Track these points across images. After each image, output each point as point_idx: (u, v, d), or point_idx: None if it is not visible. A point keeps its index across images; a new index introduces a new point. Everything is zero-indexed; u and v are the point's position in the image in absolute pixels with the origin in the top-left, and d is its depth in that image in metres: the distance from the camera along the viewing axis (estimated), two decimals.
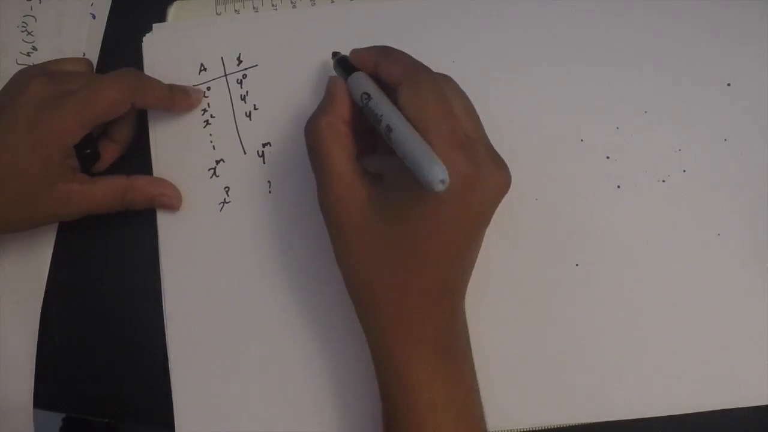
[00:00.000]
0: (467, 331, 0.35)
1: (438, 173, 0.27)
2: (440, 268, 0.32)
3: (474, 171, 0.31)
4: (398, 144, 0.30)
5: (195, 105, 0.43)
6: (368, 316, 0.34)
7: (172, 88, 0.42)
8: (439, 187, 0.27)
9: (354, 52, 0.37)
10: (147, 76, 0.42)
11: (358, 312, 0.34)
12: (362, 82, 0.34)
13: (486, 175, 0.31)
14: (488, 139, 0.33)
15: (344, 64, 0.37)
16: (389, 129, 0.30)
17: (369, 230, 0.32)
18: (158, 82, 0.41)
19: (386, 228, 0.32)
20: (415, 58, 0.35)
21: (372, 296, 0.33)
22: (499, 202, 0.33)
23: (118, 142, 0.42)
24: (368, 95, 0.33)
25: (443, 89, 0.32)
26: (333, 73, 0.43)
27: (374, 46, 0.36)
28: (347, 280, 0.34)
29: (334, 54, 0.39)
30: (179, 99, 0.42)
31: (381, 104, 0.32)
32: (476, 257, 0.34)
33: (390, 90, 0.33)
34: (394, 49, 0.35)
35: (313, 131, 0.34)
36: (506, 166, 0.33)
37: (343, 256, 0.34)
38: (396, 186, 0.32)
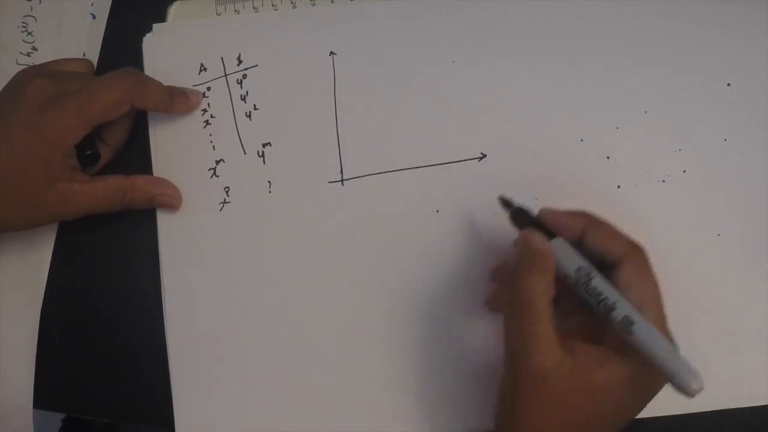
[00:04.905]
0: None
1: (698, 384, 0.29)
2: None
3: None
4: (644, 341, 0.30)
5: (194, 107, 0.43)
6: None
7: (171, 90, 0.42)
8: (695, 395, 0.29)
9: (551, 213, 0.35)
10: (147, 76, 0.42)
11: None
12: (574, 255, 0.33)
13: None
14: None
15: (526, 220, 0.35)
16: (630, 322, 0.30)
17: (566, 405, 0.31)
18: (159, 84, 0.41)
19: (581, 405, 0.31)
20: (625, 233, 0.34)
21: None
22: None
23: (111, 145, 0.42)
24: (588, 273, 0.32)
25: (654, 271, 0.33)
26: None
27: (576, 212, 0.34)
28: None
29: (506, 203, 0.36)
30: (178, 102, 0.42)
31: (608, 288, 0.31)
32: None
33: (588, 256, 0.33)
34: (601, 219, 0.34)
35: (527, 291, 0.32)
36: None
37: (528, 419, 0.32)
38: (593, 369, 0.31)
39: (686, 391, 0.29)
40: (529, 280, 0.32)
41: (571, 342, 0.32)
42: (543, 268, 0.32)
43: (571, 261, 0.32)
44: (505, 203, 0.36)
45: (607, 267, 0.32)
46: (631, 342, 0.30)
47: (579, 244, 0.33)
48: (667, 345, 0.30)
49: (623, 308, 0.31)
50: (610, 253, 0.33)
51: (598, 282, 0.31)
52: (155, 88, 0.41)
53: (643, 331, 0.30)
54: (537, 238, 0.33)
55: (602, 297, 0.31)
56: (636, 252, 0.33)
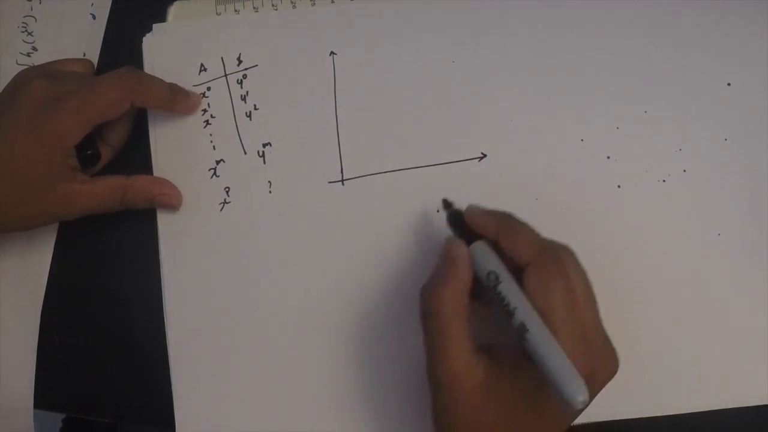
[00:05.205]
0: None
1: (580, 395, 0.28)
2: None
3: (592, 368, 0.30)
4: (535, 349, 0.29)
5: (194, 108, 0.43)
6: None
7: (172, 88, 0.42)
8: (579, 407, 0.28)
9: (471, 212, 0.35)
10: (148, 75, 0.42)
11: None
12: (488, 259, 0.32)
13: (601, 370, 0.31)
14: (600, 319, 0.32)
15: (459, 223, 0.35)
16: (524, 328, 0.29)
17: (481, 412, 0.31)
18: (159, 81, 0.41)
19: (497, 412, 0.31)
20: (539, 234, 0.33)
21: None
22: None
23: (111, 145, 0.42)
24: (497, 277, 0.31)
25: (569, 274, 0.31)
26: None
27: (494, 212, 0.35)
28: None
29: (447, 204, 0.37)
30: (179, 100, 0.42)
31: (513, 293, 0.31)
32: None
33: (506, 259, 0.32)
34: (517, 221, 0.34)
35: (434, 301, 0.32)
36: (616, 352, 0.32)
37: (448, 426, 0.32)
38: (510, 374, 0.31)
39: (570, 402, 0.28)
40: (438, 288, 0.32)
41: (494, 347, 0.32)
42: (453, 276, 0.32)
43: (485, 265, 0.32)
44: (446, 205, 0.37)
45: (517, 268, 0.32)
46: (526, 349, 0.30)
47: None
48: (558, 354, 0.29)
49: (521, 314, 0.30)
50: (518, 256, 0.32)
51: (504, 287, 0.31)
52: (155, 86, 0.41)
53: (536, 339, 0.29)
54: (454, 245, 0.34)
55: (505, 302, 0.31)
56: (543, 255, 0.32)
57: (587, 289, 0.32)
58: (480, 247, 0.33)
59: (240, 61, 0.44)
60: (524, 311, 0.30)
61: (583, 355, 0.30)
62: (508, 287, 0.31)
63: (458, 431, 0.32)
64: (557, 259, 0.32)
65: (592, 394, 0.31)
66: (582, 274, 0.32)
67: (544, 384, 0.29)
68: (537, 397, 0.31)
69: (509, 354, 0.32)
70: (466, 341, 0.32)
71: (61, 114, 0.37)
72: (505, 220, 0.34)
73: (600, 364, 0.31)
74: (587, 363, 0.30)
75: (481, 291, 0.33)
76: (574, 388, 0.28)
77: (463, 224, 0.35)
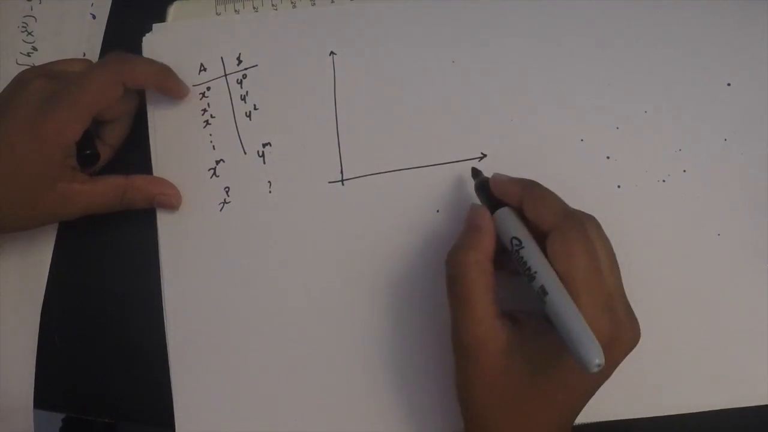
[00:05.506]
0: None
1: (596, 358, 0.27)
2: (563, 417, 0.33)
3: (614, 334, 0.31)
4: (554, 312, 0.29)
5: (185, 93, 0.43)
6: None
7: (163, 67, 0.41)
8: (594, 370, 0.27)
9: (497, 179, 0.36)
10: (135, 55, 0.42)
11: None
12: (512, 225, 0.33)
13: (623, 337, 0.31)
14: (623, 287, 0.33)
15: (486, 192, 0.36)
16: (544, 291, 0.30)
17: (504, 376, 0.32)
18: (147, 59, 0.41)
19: (519, 377, 0.32)
20: (563, 201, 0.34)
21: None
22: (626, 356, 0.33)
23: (110, 145, 0.42)
24: (519, 242, 0.32)
25: (592, 240, 0.32)
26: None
27: (518, 179, 0.35)
28: (469, 411, 0.34)
29: (475, 173, 0.38)
30: (171, 81, 0.42)
31: (534, 258, 0.31)
32: None
33: (531, 227, 0.33)
34: (541, 187, 0.34)
35: (459, 265, 0.33)
36: (638, 322, 0.32)
37: (471, 392, 0.33)
38: (532, 339, 0.31)
39: (586, 365, 0.28)
40: (463, 253, 0.33)
41: (517, 313, 0.33)
42: (478, 242, 0.33)
43: (509, 231, 0.33)
44: (474, 174, 0.38)
45: (540, 235, 0.32)
46: (546, 312, 0.30)
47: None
48: (575, 316, 0.29)
49: (542, 278, 0.30)
50: (542, 222, 0.33)
51: (527, 252, 0.31)
52: (143, 64, 0.41)
53: (555, 302, 0.29)
54: (479, 212, 0.34)
55: (527, 266, 0.31)
56: (566, 222, 0.32)
57: (610, 257, 0.32)
58: (504, 214, 0.34)
59: (240, 61, 0.44)
60: (545, 275, 0.30)
61: (604, 321, 0.30)
62: (530, 252, 0.31)
63: (480, 396, 0.33)
64: (581, 225, 0.32)
65: (613, 363, 0.32)
66: (606, 242, 0.32)
67: (564, 350, 0.29)
68: (558, 364, 0.31)
69: (532, 320, 0.32)
70: (490, 306, 0.32)
71: (59, 112, 0.37)
72: (530, 187, 0.34)
73: (621, 331, 0.31)
74: (608, 329, 0.30)
75: (507, 261, 0.33)
76: (590, 350, 0.28)
77: (489, 193, 0.36)
